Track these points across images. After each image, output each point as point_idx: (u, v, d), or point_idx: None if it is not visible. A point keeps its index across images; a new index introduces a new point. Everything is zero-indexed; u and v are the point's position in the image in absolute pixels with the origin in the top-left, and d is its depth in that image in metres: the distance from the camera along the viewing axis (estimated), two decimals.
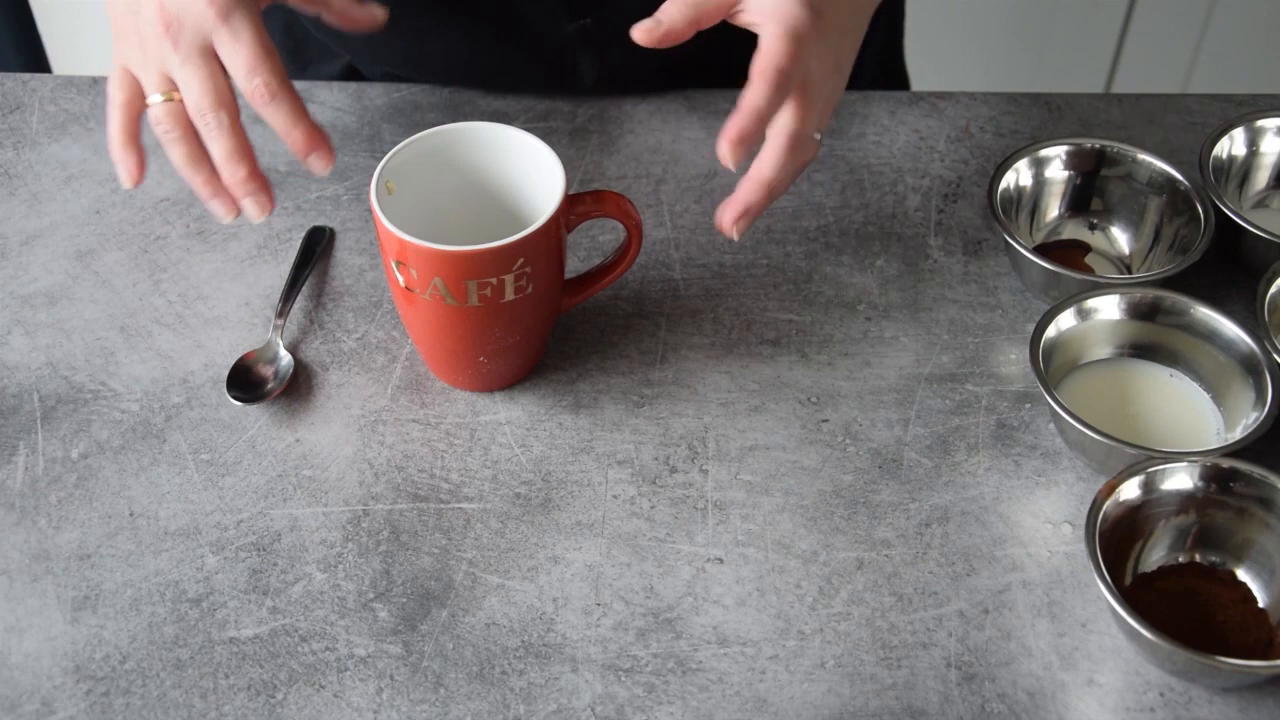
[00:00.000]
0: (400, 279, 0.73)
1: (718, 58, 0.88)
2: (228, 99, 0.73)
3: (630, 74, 0.94)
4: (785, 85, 0.71)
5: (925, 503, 0.75)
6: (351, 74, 1.03)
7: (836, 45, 0.75)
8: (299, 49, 1.04)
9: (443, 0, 0.91)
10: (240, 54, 0.72)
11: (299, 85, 0.97)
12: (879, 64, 1.09)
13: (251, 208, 0.74)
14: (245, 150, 0.74)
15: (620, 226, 0.82)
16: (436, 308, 0.73)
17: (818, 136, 0.76)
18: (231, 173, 0.74)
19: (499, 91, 0.95)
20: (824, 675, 0.68)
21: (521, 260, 0.72)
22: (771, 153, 0.73)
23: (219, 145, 0.73)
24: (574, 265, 0.85)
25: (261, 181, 0.74)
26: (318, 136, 0.74)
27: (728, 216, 0.74)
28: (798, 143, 0.73)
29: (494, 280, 0.72)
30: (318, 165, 0.74)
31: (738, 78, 0.81)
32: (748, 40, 0.84)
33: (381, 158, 0.75)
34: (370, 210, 0.73)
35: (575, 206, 0.75)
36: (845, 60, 0.76)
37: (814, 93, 0.73)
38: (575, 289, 0.80)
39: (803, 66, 0.72)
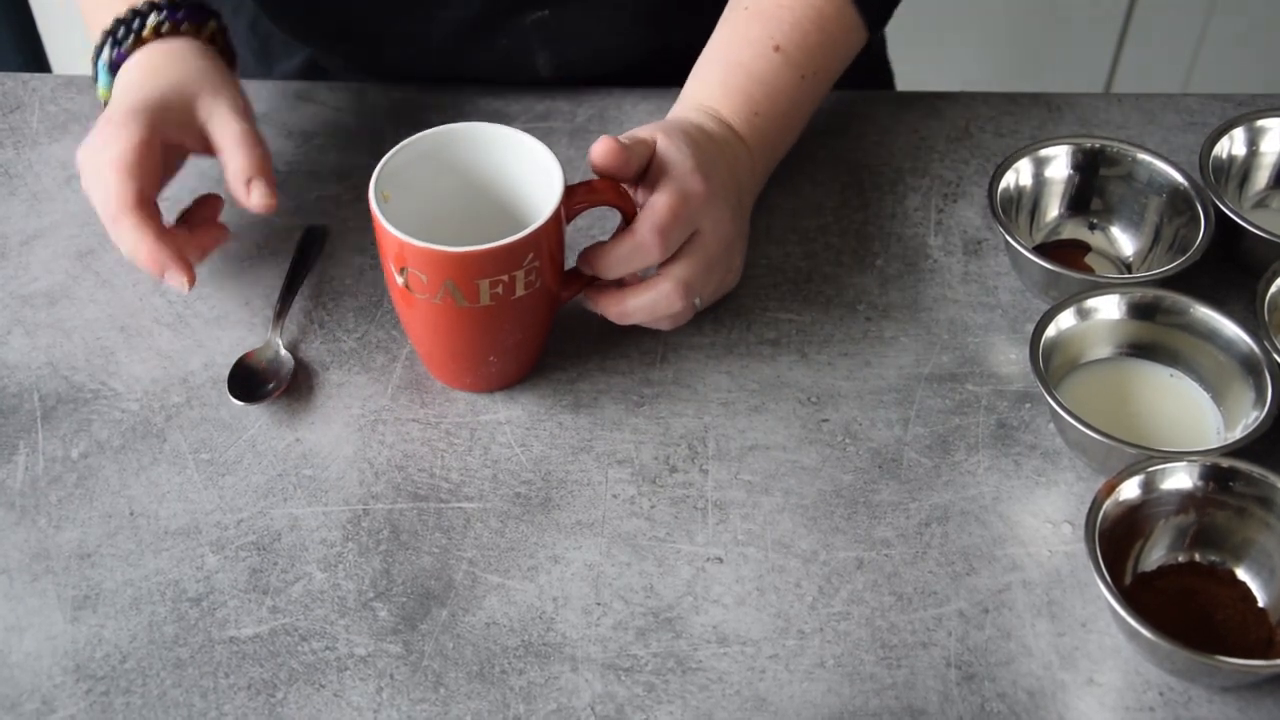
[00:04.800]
0: (405, 284, 0.73)
1: (674, 52, 0.89)
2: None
3: (586, 66, 0.95)
4: (667, 237, 0.75)
5: (925, 502, 0.75)
6: (313, 68, 1.03)
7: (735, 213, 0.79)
8: (264, 45, 1.05)
9: None
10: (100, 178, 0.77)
11: (297, 86, 0.97)
12: (861, 59, 1.09)
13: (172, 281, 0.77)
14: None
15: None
16: (447, 311, 0.73)
17: (697, 303, 0.79)
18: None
19: (457, 83, 0.96)
20: (824, 674, 0.68)
21: (531, 255, 0.72)
22: (648, 291, 0.77)
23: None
24: (571, 264, 0.85)
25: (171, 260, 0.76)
26: (162, 255, 0.76)
27: (589, 296, 0.79)
28: (685, 290, 0.77)
29: (505, 278, 0.72)
30: (175, 282, 0.76)
31: (685, 71, 0.86)
32: (705, 36, 0.86)
33: (381, 158, 0.75)
34: (370, 213, 0.73)
35: (573, 197, 0.75)
36: (742, 232, 0.81)
37: (706, 251, 0.77)
38: (574, 279, 0.80)
39: (689, 223, 0.76)
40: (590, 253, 0.76)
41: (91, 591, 0.71)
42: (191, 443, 0.77)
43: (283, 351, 0.81)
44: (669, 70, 0.94)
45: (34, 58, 1.27)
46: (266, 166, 0.79)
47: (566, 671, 0.68)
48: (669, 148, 0.76)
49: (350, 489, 0.75)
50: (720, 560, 0.73)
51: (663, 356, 0.81)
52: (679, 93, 0.86)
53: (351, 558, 0.73)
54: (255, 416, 0.79)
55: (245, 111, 0.81)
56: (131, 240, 0.75)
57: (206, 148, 0.81)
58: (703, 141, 0.79)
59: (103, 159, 0.76)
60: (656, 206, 0.75)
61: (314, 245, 0.86)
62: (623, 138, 0.76)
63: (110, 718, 0.67)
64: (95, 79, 0.84)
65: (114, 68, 0.82)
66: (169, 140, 0.79)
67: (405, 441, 0.77)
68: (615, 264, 0.75)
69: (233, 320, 0.83)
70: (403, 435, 0.78)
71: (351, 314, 0.83)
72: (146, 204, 0.76)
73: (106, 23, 0.83)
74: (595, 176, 0.76)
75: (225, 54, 0.85)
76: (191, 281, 0.76)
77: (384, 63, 0.97)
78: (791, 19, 0.84)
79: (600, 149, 0.74)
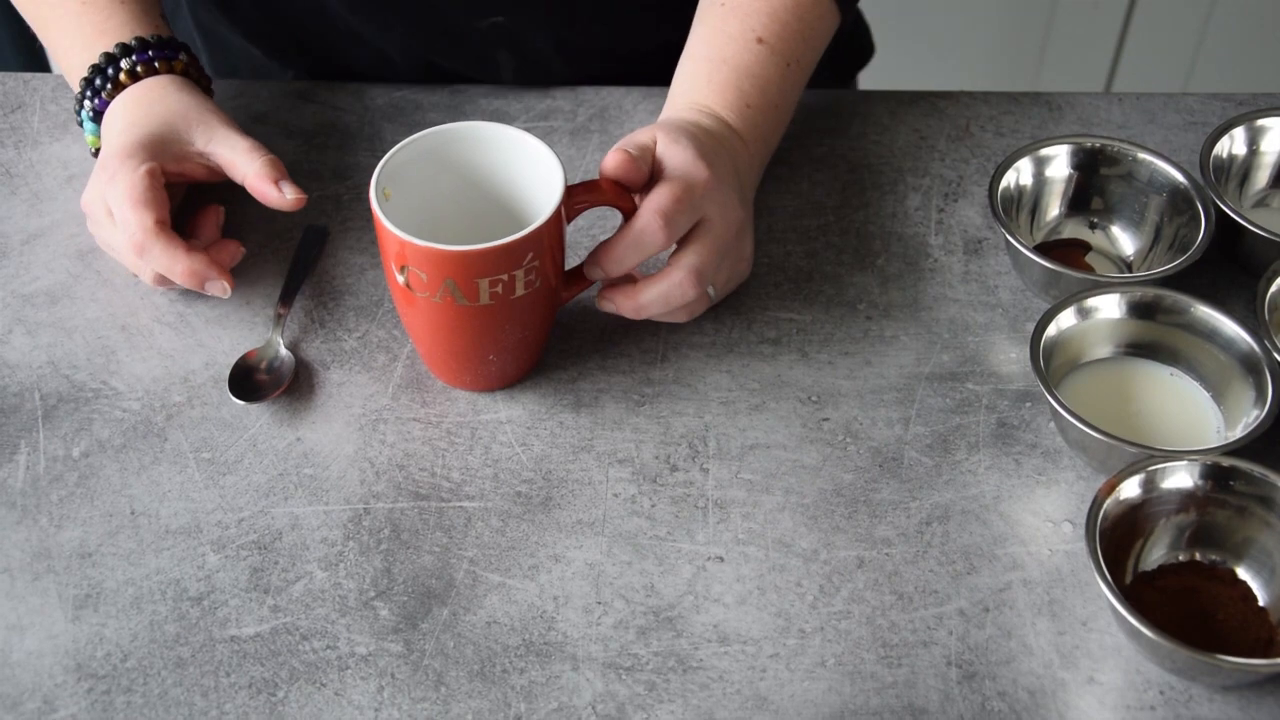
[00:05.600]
0: (405, 283, 0.73)
1: (639, 46, 0.89)
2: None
3: (549, 64, 0.96)
4: (671, 221, 0.75)
5: (926, 501, 0.75)
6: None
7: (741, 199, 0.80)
8: (223, 61, 1.05)
9: (362, 5, 0.93)
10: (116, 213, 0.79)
11: (297, 85, 0.97)
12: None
13: (213, 290, 0.80)
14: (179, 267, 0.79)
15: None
16: (447, 309, 0.73)
17: (711, 292, 0.79)
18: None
19: (456, 83, 0.97)
20: (824, 673, 0.68)
21: (531, 255, 0.72)
22: (661, 282, 0.77)
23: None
24: (573, 264, 0.85)
25: (212, 271, 0.79)
26: (199, 267, 0.78)
27: (603, 295, 0.79)
28: (697, 278, 0.76)
29: (505, 277, 0.72)
30: (217, 290, 0.79)
31: (660, 70, 0.87)
32: (675, 34, 0.86)
33: (381, 157, 0.75)
34: (371, 212, 0.73)
35: (573, 196, 0.75)
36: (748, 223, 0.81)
37: (716, 238, 0.77)
38: (575, 279, 0.80)
39: (694, 210, 0.76)
40: (596, 252, 0.76)
41: (93, 590, 0.71)
42: (192, 442, 0.77)
43: (283, 351, 0.81)
44: (646, 71, 0.94)
45: (34, 58, 1.27)
46: (284, 168, 0.82)
47: (567, 670, 0.68)
48: (669, 143, 0.77)
49: (351, 488, 0.75)
50: (721, 559, 0.73)
51: (663, 356, 0.81)
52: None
53: (352, 557, 0.73)
54: (256, 416, 0.79)
55: (240, 129, 0.84)
56: (166, 261, 0.78)
57: (207, 175, 0.84)
58: (702, 136, 0.79)
59: (113, 196, 0.78)
60: (658, 192, 0.75)
61: (314, 245, 0.86)
62: (623, 143, 0.76)
63: (111, 717, 0.67)
64: (81, 126, 0.87)
65: (98, 116, 0.85)
66: (168, 172, 0.81)
67: (406, 441, 0.77)
68: (622, 255, 0.75)
69: (233, 320, 0.83)
70: (403, 434, 0.78)
71: (352, 313, 0.83)
72: (167, 227, 0.78)
73: (84, 71, 0.85)
74: (596, 176, 0.76)
75: (200, 82, 0.88)
76: (232, 285, 0.79)
77: (351, 72, 0.97)
78: (769, 10, 0.84)
79: (612, 162, 0.75)
